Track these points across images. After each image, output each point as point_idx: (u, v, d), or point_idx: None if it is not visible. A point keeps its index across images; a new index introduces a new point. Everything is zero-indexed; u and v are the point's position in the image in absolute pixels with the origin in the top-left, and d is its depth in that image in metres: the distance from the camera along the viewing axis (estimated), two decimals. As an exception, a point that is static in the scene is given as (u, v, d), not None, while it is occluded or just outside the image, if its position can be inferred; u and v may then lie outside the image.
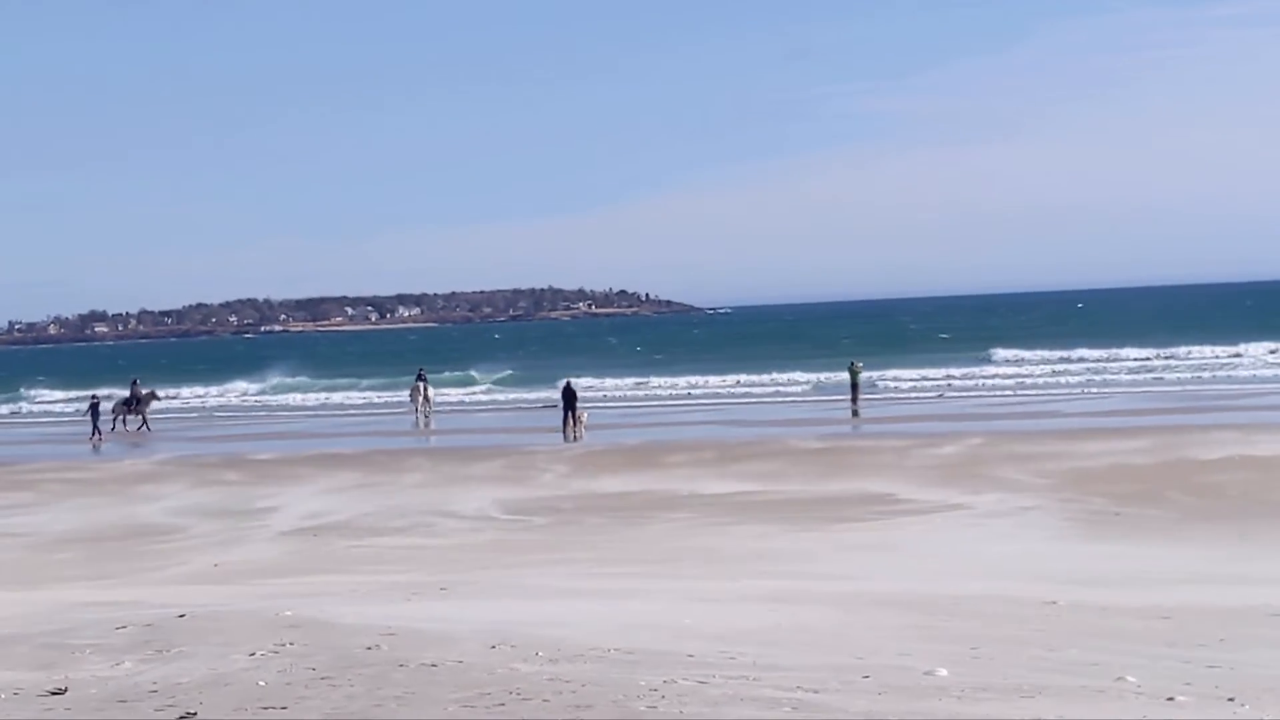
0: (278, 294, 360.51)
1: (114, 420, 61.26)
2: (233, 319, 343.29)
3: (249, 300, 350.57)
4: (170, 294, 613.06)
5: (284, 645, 13.86)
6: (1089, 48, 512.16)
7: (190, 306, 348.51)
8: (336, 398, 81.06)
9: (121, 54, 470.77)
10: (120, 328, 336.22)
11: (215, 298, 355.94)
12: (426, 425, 57.35)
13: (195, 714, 11.11)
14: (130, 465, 43.07)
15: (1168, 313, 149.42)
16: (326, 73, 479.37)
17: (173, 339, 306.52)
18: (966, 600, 16.20)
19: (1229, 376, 66.36)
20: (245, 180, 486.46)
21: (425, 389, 60.51)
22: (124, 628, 15.33)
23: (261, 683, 12.11)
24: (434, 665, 12.57)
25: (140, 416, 60.74)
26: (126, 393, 63.68)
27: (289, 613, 16.24)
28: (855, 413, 54.85)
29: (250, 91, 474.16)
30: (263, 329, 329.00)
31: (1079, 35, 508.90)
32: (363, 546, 24.49)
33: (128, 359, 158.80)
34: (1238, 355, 76.89)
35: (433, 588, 18.77)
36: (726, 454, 38.20)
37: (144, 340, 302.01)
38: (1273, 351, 77.51)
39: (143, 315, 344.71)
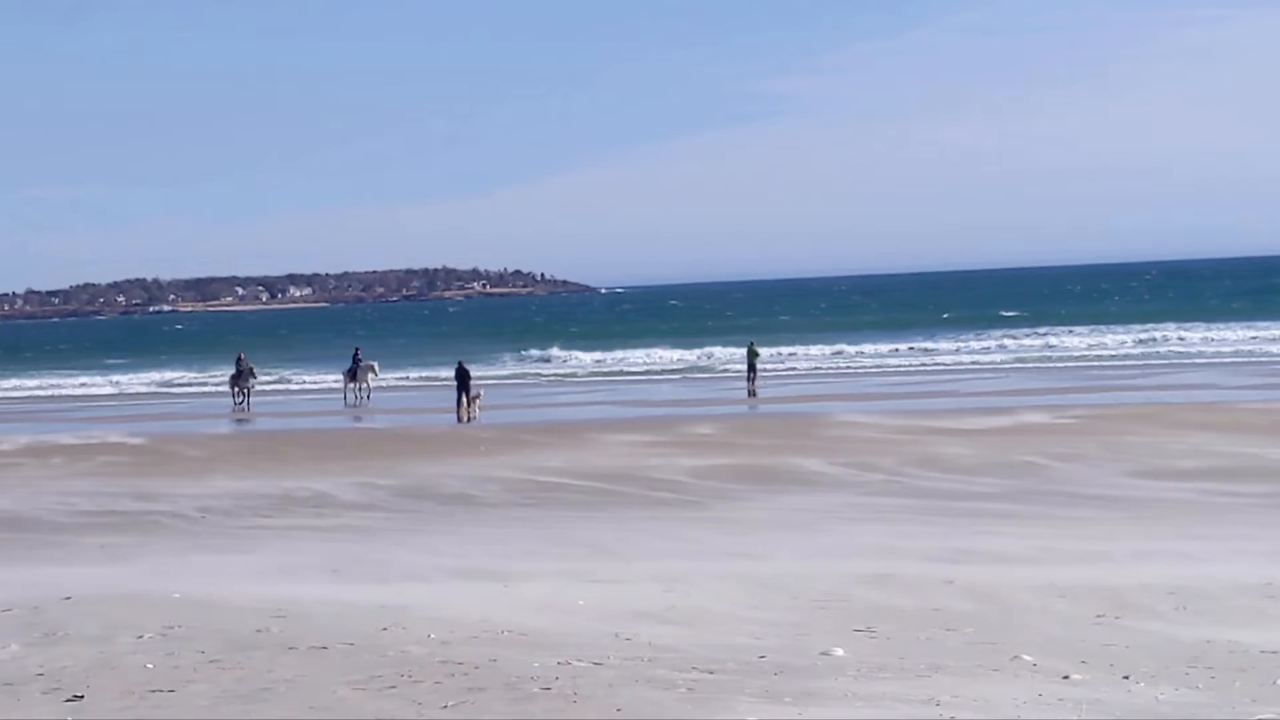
0: (166, 274, 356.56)
1: (232, 396, 58.71)
2: (120, 299, 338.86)
3: (137, 280, 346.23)
4: (56, 274, 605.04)
5: (171, 628, 13.65)
6: (988, 29, 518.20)
7: (77, 286, 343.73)
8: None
9: (44, 31, 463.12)
10: (6, 308, 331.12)
11: (103, 278, 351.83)
12: (364, 403, 56.71)
13: (82, 697, 10.94)
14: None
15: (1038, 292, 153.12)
16: (224, 54, 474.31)
17: (58, 319, 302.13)
18: (862, 580, 16.20)
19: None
20: (132, 159, 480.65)
21: (364, 369, 59.09)
22: (9, 610, 15.05)
23: (149, 665, 11.92)
24: (324, 648, 12.43)
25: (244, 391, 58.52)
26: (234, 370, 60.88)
27: (177, 595, 15.99)
28: (752, 393, 54.98)
29: (138, 72, 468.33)
30: (151, 309, 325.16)
31: (975, 16, 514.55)
32: (251, 528, 24.18)
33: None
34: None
35: (323, 569, 18.55)
36: (612, 432, 38.12)
37: (29, 320, 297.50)
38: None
39: (29, 295, 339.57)
